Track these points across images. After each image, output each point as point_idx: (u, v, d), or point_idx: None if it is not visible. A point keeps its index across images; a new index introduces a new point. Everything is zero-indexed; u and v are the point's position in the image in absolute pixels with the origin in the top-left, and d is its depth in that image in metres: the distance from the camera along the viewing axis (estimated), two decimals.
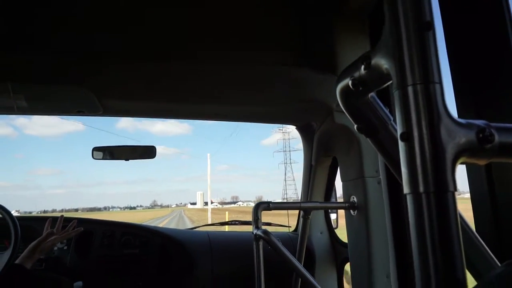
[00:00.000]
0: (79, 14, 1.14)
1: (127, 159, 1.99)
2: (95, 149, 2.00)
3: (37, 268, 1.76)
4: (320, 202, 1.90)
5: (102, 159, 2.00)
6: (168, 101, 1.63)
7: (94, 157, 1.99)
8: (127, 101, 1.59)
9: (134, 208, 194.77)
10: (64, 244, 1.93)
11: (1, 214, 1.67)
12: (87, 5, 1.12)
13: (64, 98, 1.51)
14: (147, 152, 2.03)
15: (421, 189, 0.33)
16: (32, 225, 1.91)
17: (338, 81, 0.49)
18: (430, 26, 0.35)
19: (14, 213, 1.67)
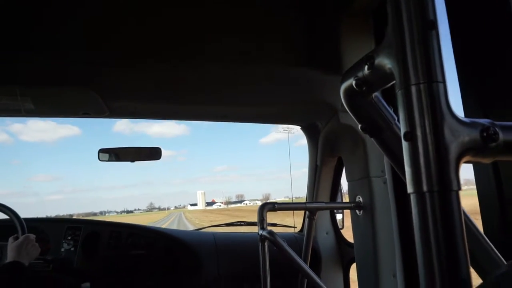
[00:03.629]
0: (84, 17, 1.15)
1: (132, 161, 2.00)
2: (101, 150, 2.01)
3: (44, 270, 1.78)
4: (326, 203, 1.89)
5: (108, 160, 2.01)
6: (173, 102, 1.64)
7: (100, 158, 2.00)
8: (133, 102, 1.61)
9: (131, 211, 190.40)
10: (71, 245, 1.94)
11: (8, 216, 1.70)
12: (91, 7, 1.13)
13: (71, 101, 1.53)
14: (152, 153, 2.03)
15: (425, 188, 0.33)
16: (38, 226, 1.93)
17: (342, 81, 0.49)
18: (434, 25, 0.35)
19: None
